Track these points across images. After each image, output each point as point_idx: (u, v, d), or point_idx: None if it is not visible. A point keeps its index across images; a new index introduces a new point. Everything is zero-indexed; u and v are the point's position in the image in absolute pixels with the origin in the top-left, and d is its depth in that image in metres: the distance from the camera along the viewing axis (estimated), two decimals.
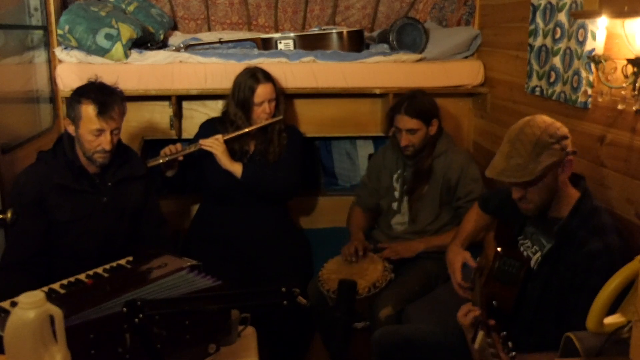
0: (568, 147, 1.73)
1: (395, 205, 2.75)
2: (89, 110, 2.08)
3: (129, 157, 2.32)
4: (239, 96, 2.69)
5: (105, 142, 2.10)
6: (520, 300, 1.77)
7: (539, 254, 1.82)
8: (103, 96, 2.10)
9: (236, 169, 2.65)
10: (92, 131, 2.09)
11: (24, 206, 2.08)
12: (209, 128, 2.79)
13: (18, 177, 2.16)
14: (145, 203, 2.34)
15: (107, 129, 2.10)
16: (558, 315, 1.69)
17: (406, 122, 2.58)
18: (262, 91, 2.67)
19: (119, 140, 2.22)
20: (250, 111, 2.69)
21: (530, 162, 1.68)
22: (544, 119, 1.75)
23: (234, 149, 2.71)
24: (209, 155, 2.65)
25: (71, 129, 2.15)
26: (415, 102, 2.59)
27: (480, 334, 1.58)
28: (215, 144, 2.63)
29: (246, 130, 2.67)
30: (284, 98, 2.84)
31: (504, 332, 1.55)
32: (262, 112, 2.69)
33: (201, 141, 2.65)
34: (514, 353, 1.48)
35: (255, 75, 2.69)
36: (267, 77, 2.71)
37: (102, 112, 2.08)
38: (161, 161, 2.59)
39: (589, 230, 1.69)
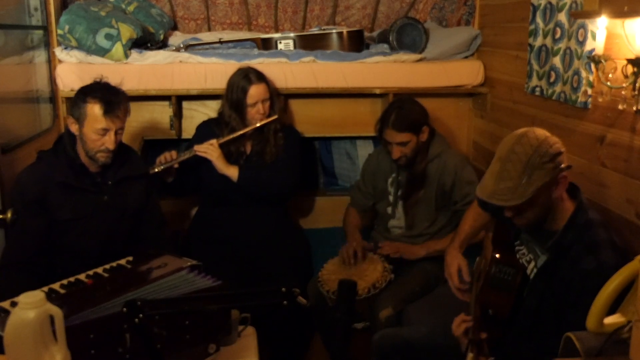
0: (562, 163, 1.66)
1: (389, 209, 2.74)
2: (95, 109, 2.09)
3: (129, 156, 2.32)
4: (232, 97, 2.68)
5: (109, 141, 2.12)
6: (517, 308, 1.75)
7: (533, 263, 1.81)
8: (109, 95, 2.12)
9: (232, 172, 2.64)
10: (97, 130, 2.10)
11: (26, 205, 2.09)
12: (205, 129, 2.78)
13: (19, 177, 2.16)
14: (146, 203, 2.34)
15: (112, 128, 2.12)
16: (556, 324, 1.67)
17: (395, 136, 2.53)
18: (255, 92, 2.65)
19: (121, 140, 2.22)
20: (244, 112, 2.67)
21: (520, 184, 1.60)
22: (537, 135, 1.66)
23: (230, 151, 2.70)
24: (205, 159, 2.64)
25: (74, 128, 2.15)
26: (402, 115, 2.53)
27: (470, 357, 1.59)
28: (210, 150, 2.62)
29: (240, 132, 2.66)
30: (279, 97, 2.83)
31: (492, 358, 1.55)
32: (256, 113, 2.67)
33: (196, 147, 2.64)
34: None
35: (247, 76, 2.67)
36: (260, 78, 2.69)
37: (108, 111, 2.10)
38: (157, 170, 2.58)
39: (583, 246, 1.65)
